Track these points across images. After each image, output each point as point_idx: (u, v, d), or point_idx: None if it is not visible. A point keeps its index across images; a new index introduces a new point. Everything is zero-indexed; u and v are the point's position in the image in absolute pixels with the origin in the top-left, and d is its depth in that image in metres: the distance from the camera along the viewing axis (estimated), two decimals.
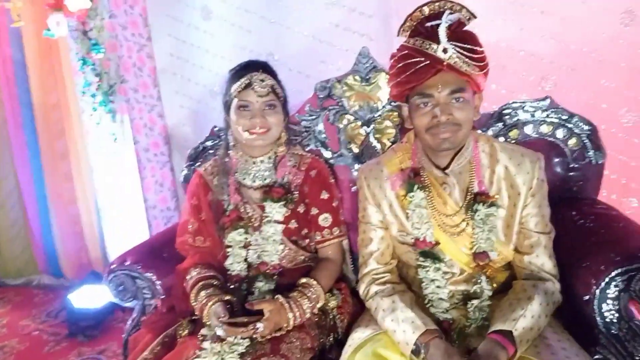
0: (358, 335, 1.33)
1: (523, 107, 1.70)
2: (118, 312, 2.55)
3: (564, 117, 1.68)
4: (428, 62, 1.22)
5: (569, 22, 2.26)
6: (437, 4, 1.26)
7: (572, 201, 1.64)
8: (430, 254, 1.34)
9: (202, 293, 1.41)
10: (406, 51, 1.27)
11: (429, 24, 1.24)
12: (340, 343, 1.42)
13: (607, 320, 1.29)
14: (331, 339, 1.47)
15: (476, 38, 1.27)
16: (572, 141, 1.68)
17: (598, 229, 1.45)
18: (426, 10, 1.26)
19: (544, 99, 1.69)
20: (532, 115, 1.70)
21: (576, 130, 1.67)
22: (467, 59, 1.22)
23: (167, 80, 2.78)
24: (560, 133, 1.68)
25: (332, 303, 1.51)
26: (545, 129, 1.70)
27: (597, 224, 1.47)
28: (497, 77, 2.17)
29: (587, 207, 1.59)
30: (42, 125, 2.90)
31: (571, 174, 1.69)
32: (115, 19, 2.53)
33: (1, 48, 2.90)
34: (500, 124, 1.72)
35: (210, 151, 1.89)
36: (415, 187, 1.35)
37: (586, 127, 1.66)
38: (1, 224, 3.09)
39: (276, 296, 1.38)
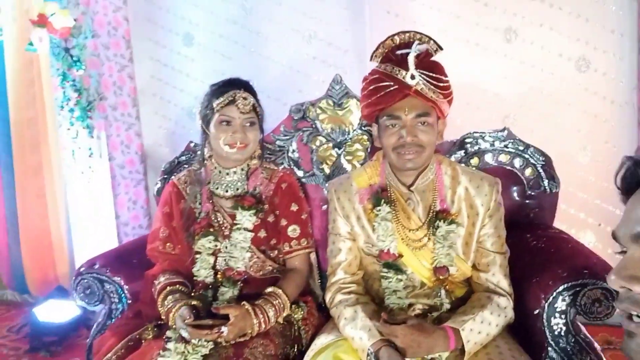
0: (321, 341, 1.37)
1: (483, 136, 1.82)
2: (82, 329, 2.49)
3: (521, 148, 1.80)
4: (397, 86, 1.33)
5: (528, 66, 2.45)
6: (407, 34, 1.37)
7: (528, 226, 1.75)
8: (393, 265, 1.41)
9: (169, 298, 1.44)
10: (377, 75, 1.38)
11: (399, 52, 1.35)
12: (304, 354, 1.44)
13: (556, 333, 1.36)
14: (295, 350, 1.49)
15: (442, 68, 1.39)
16: (529, 170, 1.79)
17: (549, 249, 1.54)
18: (397, 39, 1.38)
19: (502, 130, 1.82)
20: (492, 145, 1.82)
21: (532, 161, 1.79)
22: (432, 87, 1.33)
23: (146, 101, 2.85)
24: (517, 162, 1.80)
25: (298, 315, 1.54)
26: (503, 158, 1.81)
27: (548, 245, 1.57)
28: (462, 112, 2.33)
29: (541, 231, 1.70)
30: (17, 140, 2.89)
31: (528, 201, 1.79)
32: (98, 39, 2.60)
33: None
34: (462, 152, 1.83)
35: (185, 165, 1.94)
36: (382, 201, 1.43)
37: (541, 158, 1.79)
38: None
39: (242, 302, 1.41)
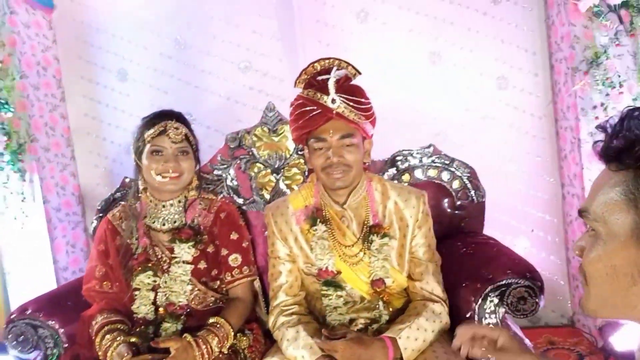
0: None
1: (412, 153, 1.92)
2: None
3: (447, 162, 1.91)
4: (320, 110, 1.40)
5: (452, 86, 2.61)
6: (327, 61, 1.45)
7: (459, 235, 1.84)
8: (333, 282, 1.45)
9: (107, 337, 1.40)
10: (301, 100, 1.44)
11: (320, 78, 1.43)
12: None
13: None
14: None
15: (362, 91, 1.47)
16: (456, 183, 1.90)
17: (476, 254, 1.63)
18: (318, 66, 1.45)
19: (428, 147, 1.92)
20: (420, 161, 1.92)
21: (458, 173, 1.90)
22: (353, 109, 1.40)
23: (80, 140, 2.80)
24: (445, 176, 1.90)
25: (244, 343, 1.54)
26: (432, 172, 1.91)
27: (475, 251, 1.66)
28: (395, 133, 2.45)
29: (470, 238, 1.79)
30: None
31: (457, 212, 1.89)
32: (26, 79, 2.54)
33: None
34: (393, 169, 1.92)
35: (122, 202, 1.91)
36: (318, 221, 1.48)
37: (466, 170, 1.90)
38: None
39: (184, 335, 1.39)
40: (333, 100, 1.39)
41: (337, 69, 1.43)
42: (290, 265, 1.52)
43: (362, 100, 1.43)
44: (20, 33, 2.52)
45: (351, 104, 1.39)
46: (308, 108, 1.41)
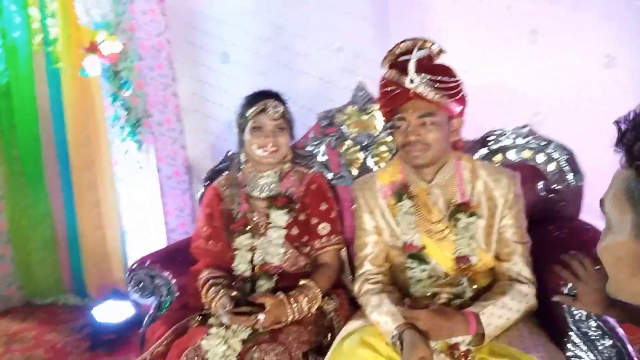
0: (349, 326, 1.48)
1: (505, 133, 1.88)
2: (137, 328, 2.70)
3: (543, 144, 1.84)
4: (399, 90, 1.44)
5: (553, 65, 2.49)
6: (409, 42, 1.47)
7: (553, 219, 1.78)
8: (417, 256, 1.50)
9: (212, 289, 1.58)
10: (384, 81, 1.50)
11: (401, 58, 1.46)
12: None
13: (577, 318, 1.41)
14: (327, 339, 1.59)
15: (447, 70, 1.46)
16: (552, 165, 1.83)
17: (570, 238, 1.58)
18: (402, 46, 1.48)
19: (523, 127, 1.87)
20: (514, 142, 1.87)
21: (554, 156, 1.83)
22: (433, 88, 1.41)
23: (189, 116, 3.06)
24: (540, 158, 1.84)
25: (330, 306, 1.65)
26: (526, 154, 1.86)
27: (569, 235, 1.61)
28: (492, 113, 2.40)
29: (565, 223, 1.73)
30: (74, 157, 3.16)
31: (552, 195, 1.83)
32: (143, 62, 2.84)
33: (40, 88, 3.22)
34: (485, 149, 1.89)
35: (225, 172, 2.09)
36: (404, 196, 1.53)
37: (564, 153, 1.82)
38: (33, 245, 3.30)
39: (277, 292, 1.53)
40: (411, 81, 1.41)
41: (419, 49, 1.45)
42: (376, 237, 1.58)
43: (445, 79, 1.43)
44: (138, 20, 2.80)
45: (430, 83, 1.41)
46: (389, 88, 1.46)
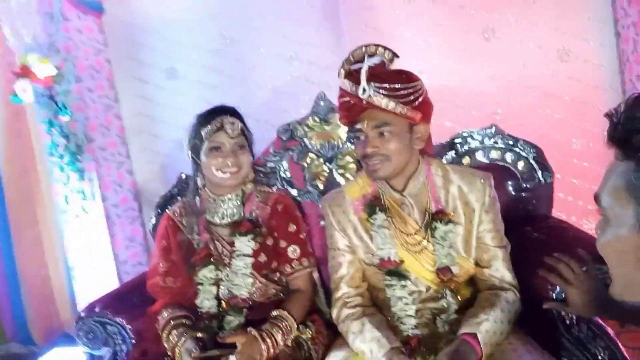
0: (333, 356, 1.35)
1: (472, 135, 1.83)
2: None
3: (510, 142, 1.80)
4: (354, 101, 1.35)
5: (510, 62, 2.48)
6: (362, 48, 1.38)
7: (527, 218, 1.74)
8: (396, 272, 1.40)
9: (174, 332, 1.42)
10: (341, 92, 1.41)
11: (354, 67, 1.37)
12: None
13: (567, 323, 1.34)
14: None
15: (401, 76, 1.36)
16: (521, 164, 1.79)
17: (551, 239, 1.53)
18: (353, 55, 1.38)
19: (489, 127, 1.82)
20: (482, 143, 1.82)
21: (523, 154, 1.79)
22: (385, 97, 1.31)
23: (134, 138, 2.85)
24: (509, 157, 1.80)
25: (307, 335, 1.52)
26: (494, 154, 1.81)
27: (549, 236, 1.56)
28: (451, 114, 2.36)
29: (541, 222, 1.69)
30: (10, 191, 2.89)
31: (524, 194, 1.79)
32: (81, 83, 2.62)
33: None
34: (452, 152, 1.83)
35: (179, 198, 1.93)
36: (377, 209, 1.43)
37: (532, 150, 1.79)
38: None
39: (248, 328, 1.38)
40: (363, 90, 1.32)
41: (370, 56, 1.35)
42: (351, 256, 1.48)
43: (398, 85, 1.33)
44: (74, 38, 2.59)
45: (382, 91, 1.32)
46: (345, 99, 1.38)
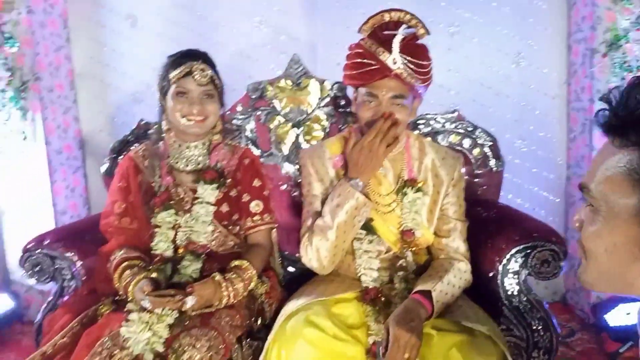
0: (290, 307, 1.37)
1: (435, 118, 1.90)
2: (17, 324, 2.29)
3: (470, 129, 1.90)
4: (378, 67, 1.35)
5: (470, 60, 2.60)
6: (398, 13, 1.38)
7: (477, 201, 1.84)
8: (367, 227, 1.44)
9: (127, 272, 1.37)
10: (362, 50, 1.39)
11: (386, 32, 1.36)
12: (268, 327, 1.43)
13: (509, 293, 1.46)
14: (258, 323, 1.48)
15: (426, 53, 1.41)
16: (477, 150, 1.89)
17: (499, 218, 1.65)
18: (387, 17, 1.38)
19: (452, 112, 1.91)
20: (443, 126, 1.91)
21: (480, 141, 1.89)
22: (412, 72, 1.34)
23: (84, 84, 2.70)
24: (466, 143, 1.90)
25: (261, 289, 1.52)
26: (453, 138, 1.90)
27: (498, 215, 1.67)
28: None
29: (490, 204, 1.80)
30: None
31: (476, 179, 1.89)
32: (33, 15, 2.44)
33: None
34: (416, 132, 1.89)
35: (136, 144, 1.85)
36: None
37: (488, 139, 1.89)
38: None
39: (213, 274, 1.37)
40: (394, 61, 1.33)
41: (406, 27, 1.36)
42: None
43: (424, 62, 1.37)
44: None
45: (412, 66, 1.34)
46: (366, 61, 1.36)
